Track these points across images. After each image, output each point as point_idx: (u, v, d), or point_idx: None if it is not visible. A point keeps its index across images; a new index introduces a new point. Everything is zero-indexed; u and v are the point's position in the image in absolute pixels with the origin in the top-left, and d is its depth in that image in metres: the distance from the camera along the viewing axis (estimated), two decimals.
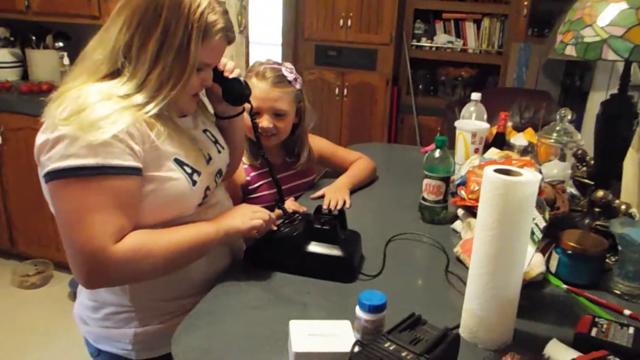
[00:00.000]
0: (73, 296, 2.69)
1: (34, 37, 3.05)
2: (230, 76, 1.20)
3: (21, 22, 2.99)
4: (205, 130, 1.20)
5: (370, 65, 3.71)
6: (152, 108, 1.00)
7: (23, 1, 2.80)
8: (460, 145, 1.75)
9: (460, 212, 1.40)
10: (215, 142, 1.22)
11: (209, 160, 1.15)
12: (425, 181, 1.43)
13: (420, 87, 3.92)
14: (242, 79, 1.22)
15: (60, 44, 3.06)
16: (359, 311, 0.89)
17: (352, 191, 1.63)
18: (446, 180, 1.41)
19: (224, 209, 1.20)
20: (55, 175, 0.93)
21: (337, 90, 3.81)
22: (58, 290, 2.82)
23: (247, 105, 1.28)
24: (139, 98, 0.99)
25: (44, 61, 3.06)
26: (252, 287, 1.09)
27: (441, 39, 3.78)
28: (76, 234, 0.93)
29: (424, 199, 1.44)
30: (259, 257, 1.18)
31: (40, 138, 0.96)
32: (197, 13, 1.00)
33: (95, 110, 0.94)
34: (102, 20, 2.58)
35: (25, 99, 2.77)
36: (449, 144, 1.47)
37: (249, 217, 1.12)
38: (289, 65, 1.57)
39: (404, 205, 1.56)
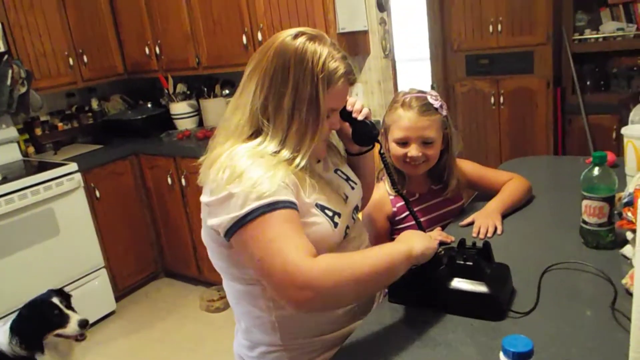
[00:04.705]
0: None
1: (205, 88, 3.46)
2: (359, 117, 1.23)
3: (194, 77, 3.42)
4: (336, 170, 1.25)
5: (527, 68, 3.47)
6: (300, 161, 1.07)
7: (194, 59, 3.21)
8: (631, 155, 1.55)
9: (629, 235, 1.23)
10: (347, 179, 1.26)
11: (346, 199, 1.20)
12: (585, 202, 1.29)
13: (588, 83, 3.55)
14: (369, 121, 1.24)
15: (227, 91, 3.43)
16: (503, 358, 0.84)
17: (505, 215, 1.54)
18: (610, 200, 1.26)
19: (361, 241, 1.25)
20: (237, 225, 0.99)
21: (492, 100, 3.63)
22: None
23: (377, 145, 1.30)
24: (286, 153, 1.07)
25: (214, 108, 3.45)
26: (396, 326, 1.10)
27: (609, 27, 3.38)
28: (274, 265, 0.95)
29: (584, 222, 1.31)
30: (403, 294, 1.17)
31: (206, 199, 1.05)
32: (319, 64, 1.06)
33: (253, 169, 1.01)
34: None
35: (201, 145, 3.14)
36: (620, 151, 1.31)
37: (431, 236, 1.18)
38: (433, 92, 1.55)
39: (564, 228, 1.42)
